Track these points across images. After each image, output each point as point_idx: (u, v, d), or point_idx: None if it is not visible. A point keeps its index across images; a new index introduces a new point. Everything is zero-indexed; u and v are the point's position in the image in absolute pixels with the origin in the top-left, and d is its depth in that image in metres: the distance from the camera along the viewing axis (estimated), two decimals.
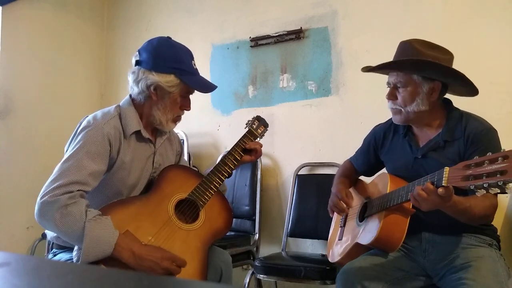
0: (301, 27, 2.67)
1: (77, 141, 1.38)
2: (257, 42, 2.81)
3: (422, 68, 1.48)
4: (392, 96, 1.55)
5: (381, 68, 1.58)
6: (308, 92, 2.64)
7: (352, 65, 2.51)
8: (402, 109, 1.53)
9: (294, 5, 2.71)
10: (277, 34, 2.74)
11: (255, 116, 1.77)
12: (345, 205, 1.67)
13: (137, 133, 1.50)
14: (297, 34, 2.68)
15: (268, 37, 2.77)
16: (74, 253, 1.30)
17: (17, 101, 2.89)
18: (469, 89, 1.53)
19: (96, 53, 3.47)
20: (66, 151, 1.40)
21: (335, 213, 1.96)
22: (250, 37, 2.84)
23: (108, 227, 1.28)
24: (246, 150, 1.64)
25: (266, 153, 2.73)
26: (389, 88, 1.58)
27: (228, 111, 2.91)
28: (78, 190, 1.30)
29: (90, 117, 1.45)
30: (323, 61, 2.60)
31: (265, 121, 1.76)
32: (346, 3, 2.55)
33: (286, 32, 2.71)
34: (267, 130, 1.76)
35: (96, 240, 1.25)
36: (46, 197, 1.27)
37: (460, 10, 2.25)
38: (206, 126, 2.94)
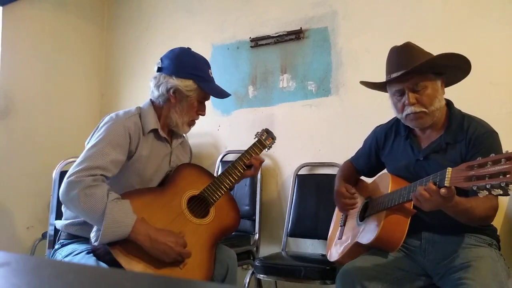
0: (301, 27, 2.67)
1: (100, 132, 1.49)
2: (257, 42, 2.81)
3: (451, 62, 1.49)
4: (415, 99, 1.49)
5: (406, 74, 1.49)
6: (308, 92, 2.64)
7: (352, 65, 2.51)
8: (427, 110, 1.49)
9: (294, 5, 2.71)
10: (277, 34, 2.74)
11: (264, 128, 1.86)
12: (352, 200, 1.69)
13: (155, 132, 1.61)
14: (297, 34, 2.68)
15: (268, 37, 2.77)
16: (92, 234, 1.37)
17: (17, 101, 2.89)
18: (464, 72, 1.55)
19: (96, 53, 3.47)
20: (88, 143, 1.50)
21: (335, 211, 1.97)
22: (250, 37, 2.84)
23: (127, 210, 1.37)
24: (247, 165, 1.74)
25: (266, 153, 2.73)
26: (402, 96, 1.52)
27: (228, 111, 2.91)
28: (100, 175, 1.40)
29: (113, 114, 1.57)
30: (323, 61, 2.60)
31: (273, 134, 1.85)
32: (346, 3, 2.55)
33: (286, 32, 2.71)
34: (274, 142, 1.85)
35: (116, 221, 1.33)
36: (72, 177, 1.37)
37: (460, 10, 2.25)
38: (206, 126, 2.94)
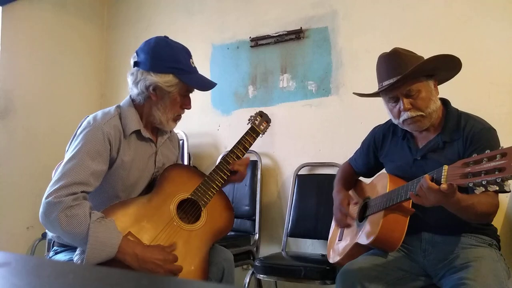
0: (301, 27, 2.67)
1: (77, 141, 1.38)
2: (257, 42, 2.81)
3: (435, 66, 1.49)
4: (410, 105, 1.49)
5: (401, 80, 1.49)
6: (308, 92, 2.64)
7: (352, 65, 2.51)
8: (424, 113, 1.49)
9: (294, 5, 2.71)
10: (277, 34, 2.74)
11: (257, 111, 1.77)
12: (348, 220, 1.69)
13: (137, 133, 1.50)
14: (297, 34, 2.68)
15: (268, 37, 2.77)
16: (76, 257, 1.31)
17: (17, 101, 2.89)
18: (453, 71, 1.55)
19: (96, 53, 3.47)
20: (67, 151, 1.41)
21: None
22: (250, 37, 2.83)
23: (112, 229, 1.29)
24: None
25: (266, 153, 2.73)
26: (396, 103, 1.52)
27: (228, 111, 2.91)
28: (81, 192, 1.32)
29: (90, 117, 1.45)
30: (323, 61, 2.60)
31: (268, 116, 1.76)
32: (346, 3, 2.55)
33: (286, 32, 2.71)
34: (269, 125, 1.75)
35: (100, 242, 1.26)
36: (51, 197, 1.28)
37: (460, 10, 2.24)
38: (206, 126, 2.94)
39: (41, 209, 1.30)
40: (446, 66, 1.52)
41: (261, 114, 1.75)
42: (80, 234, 1.26)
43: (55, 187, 1.29)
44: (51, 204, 1.28)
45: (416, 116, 1.49)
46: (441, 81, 1.60)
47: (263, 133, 1.73)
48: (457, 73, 1.57)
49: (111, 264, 1.28)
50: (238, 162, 1.60)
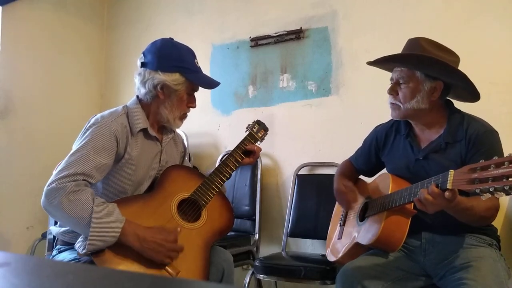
0: (301, 27, 2.67)
1: (84, 136, 1.43)
2: (257, 42, 2.81)
3: (426, 64, 1.48)
4: (393, 91, 1.56)
5: (384, 62, 1.57)
6: (308, 92, 2.64)
7: (352, 65, 2.51)
8: (401, 105, 1.53)
9: (294, 5, 2.71)
10: (277, 34, 2.74)
11: (255, 120, 1.80)
12: (352, 194, 1.71)
13: (144, 131, 1.54)
14: (297, 34, 2.68)
15: (268, 37, 2.77)
16: (78, 244, 1.31)
17: (17, 101, 2.89)
18: (471, 93, 1.53)
19: (96, 53, 3.47)
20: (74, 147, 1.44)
21: (334, 211, 1.97)
22: (250, 37, 2.83)
23: (114, 213, 1.32)
24: (246, 152, 1.69)
25: (266, 153, 2.73)
26: (391, 84, 1.58)
27: (228, 111, 2.91)
28: (83, 180, 1.34)
29: (98, 115, 1.50)
30: (323, 61, 2.60)
31: (265, 125, 1.79)
32: (346, 3, 2.55)
33: (286, 32, 2.71)
34: (267, 134, 1.79)
35: (104, 225, 1.28)
36: (54, 184, 1.31)
37: (460, 10, 2.24)
38: (206, 126, 2.94)
39: (43, 196, 1.32)
40: (437, 70, 1.49)
41: (258, 123, 1.78)
42: (84, 218, 1.28)
43: (58, 176, 1.32)
44: (54, 189, 1.30)
45: (394, 103, 1.56)
46: (458, 96, 1.60)
47: (261, 141, 1.77)
48: (468, 92, 1.53)
49: (107, 253, 1.29)
50: (254, 144, 1.69)
